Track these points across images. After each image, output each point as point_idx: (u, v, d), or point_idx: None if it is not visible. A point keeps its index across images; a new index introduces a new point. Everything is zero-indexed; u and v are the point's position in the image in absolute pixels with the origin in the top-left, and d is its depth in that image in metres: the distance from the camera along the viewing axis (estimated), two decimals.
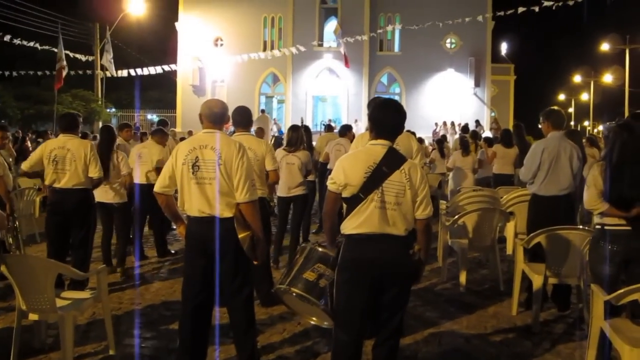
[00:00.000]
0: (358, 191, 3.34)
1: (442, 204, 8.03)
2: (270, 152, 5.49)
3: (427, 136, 22.24)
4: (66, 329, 4.08)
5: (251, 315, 4.09)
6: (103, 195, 6.65)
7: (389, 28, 29.70)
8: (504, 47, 40.65)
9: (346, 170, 3.40)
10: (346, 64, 29.66)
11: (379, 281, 3.39)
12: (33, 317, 4.24)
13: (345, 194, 3.42)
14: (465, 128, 18.56)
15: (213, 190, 3.82)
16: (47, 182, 5.77)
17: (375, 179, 3.33)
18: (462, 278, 6.41)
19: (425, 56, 30.57)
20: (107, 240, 6.83)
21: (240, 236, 3.83)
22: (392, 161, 3.38)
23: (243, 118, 5.49)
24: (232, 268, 3.92)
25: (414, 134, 9.09)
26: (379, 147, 3.41)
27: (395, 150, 3.45)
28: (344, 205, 3.50)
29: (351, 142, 8.97)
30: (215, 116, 3.98)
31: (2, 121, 7.78)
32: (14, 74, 30.69)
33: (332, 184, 3.47)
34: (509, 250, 7.70)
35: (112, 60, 28.14)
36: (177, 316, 4.35)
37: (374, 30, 30.19)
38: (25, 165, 5.84)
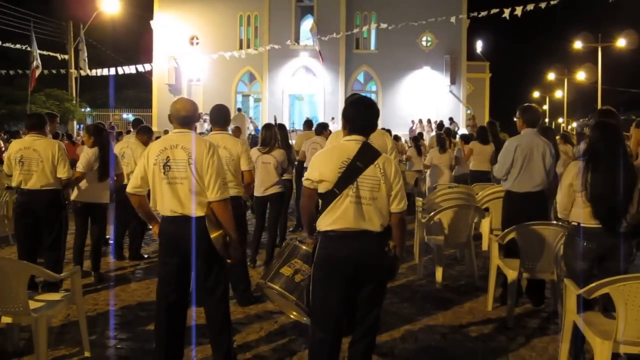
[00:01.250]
0: (333, 187, 3.36)
1: (419, 201, 8.09)
2: (246, 152, 5.47)
3: (403, 134, 22.38)
4: (39, 331, 4.01)
5: (226, 314, 4.07)
6: (91, 195, 6.53)
7: (365, 28, 29.74)
8: (479, 45, 40.99)
9: (320, 166, 3.42)
10: (321, 60, 29.71)
11: (355, 278, 3.40)
12: (6, 319, 4.15)
13: (320, 190, 3.43)
14: (440, 125, 18.72)
15: (184, 189, 3.82)
16: (14, 184, 5.68)
17: (349, 174, 3.35)
18: (438, 274, 6.46)
19: (401, 54, 30.72)
20: (81, 242, 6.71)
21: (212, 235, 3.82)
22: (366, 156, 3.40)
23: (220, 117, 5.48)
24: (206, 267, 3.92)
25: (389, 131, 9.15)
26: (353, 143, 3.44)
27: (369, 145, 3.48)
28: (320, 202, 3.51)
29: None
30: (183, 119, 3.97)
31: None
32: None
33: (306, 180, 3.50)
34: (485, 247, 7.79)
35: (86, 59, 27.79)
36: (152, 317, 4.32)
37: (350, 29, 30.26)
38: (7, 169, 5.75)
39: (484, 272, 6.40)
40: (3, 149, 14.86)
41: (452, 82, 31.42)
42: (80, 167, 6.27)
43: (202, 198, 3.84)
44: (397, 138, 15.58)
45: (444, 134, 11.67)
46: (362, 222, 3.36)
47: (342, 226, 3.36)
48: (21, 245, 5.75)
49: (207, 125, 25.43)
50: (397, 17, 28.13)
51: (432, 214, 6.64)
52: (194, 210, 3.82)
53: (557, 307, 5.42)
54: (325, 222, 3.41)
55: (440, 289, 6.34)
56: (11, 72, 29.25)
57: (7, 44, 24.97)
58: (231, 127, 9.01)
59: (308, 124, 12.04)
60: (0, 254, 7.35)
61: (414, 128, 27.38)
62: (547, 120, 55.87)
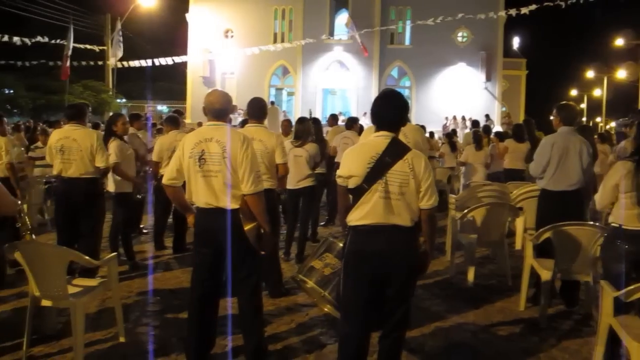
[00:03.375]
0: (362, 181, 3.38)
1: (451, 198, 8.03)
2: (281, 145, 5.50)
3: (437, 130, 22.16)
4: (77, 316, 4.12)
5: (258, 305, 4.12)
6: (115, 185, 6.68)
7: (401, 25, 29.52)
8: (515, 42, 40.40)
9: (350, 162, 3.46)
10: (365, 52, 29.62)
11: (384, 273, 3.41)
12: (45, 303, 4.29)
13: (350, 185, 3.45)
14: (475, 123, 18.51)
15: (219, 182, 3.86)
16: (54, 172, 5.81)
17: (378, 169, 3.36)
18: (470, 273, 6.41)
19: (436, 50, 30.41)
20: (115, 230, 6.85)
21: (246, 227, 3.87)
22: (395, 151, 3.40)
23: (256, 110, 5.52)
24: (239, 259, 3.95)
25: (423, 127, 9.10)
26: (382, 139, 3.45)
27: (398, 141, 3.48)
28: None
29: (358, 134, 9.00)
30: (217, 111, 4.00)
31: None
32: (26, 64, 30.86)
33: (338, 178, 3.53)
34: (518, 246, 7.70)
35: (121, 52, 28.03)
36: (186, 305, 4.39)
37: (384, 23, 30.09)
38: (48, 159, 5.89)
39: (516, 272, 6.33)
40: (42, 138, 15.19)
41: (488, 78, 31.01)
42: (113, 157, 6.37)
43: (236, 191, 3.88)
44: (430, 135, 15.48)
45: (481, 131, 11.54)
46: (392, 217, 3.36)
47: (372, 221, 3.38)
48: (60, 232, 5.89)
49: (240, 118, 25.64)
50: (432, 12, 27.81)
51: (465, 211, 6.58)
52: (229, 203, 3.87)
53: (591, 309, 5.34)
54: (355, 217, 3.43)
55: (471, 287, 6.29)
56: (50, 64, 29.87)
57: (45, 38, 25.39)
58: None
59: (334, 118, 12.04)
60: (39, 240, 7.53)
61: (447, 125, 27.13)
62: (584, 119, 54.75)
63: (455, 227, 6.83)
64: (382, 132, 3.48)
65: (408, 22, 31.02)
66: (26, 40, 23.46)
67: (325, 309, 4.92)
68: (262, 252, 4.05)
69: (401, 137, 4.08)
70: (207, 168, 3.87)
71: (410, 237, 3.43)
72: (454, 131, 16.75)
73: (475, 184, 8.78)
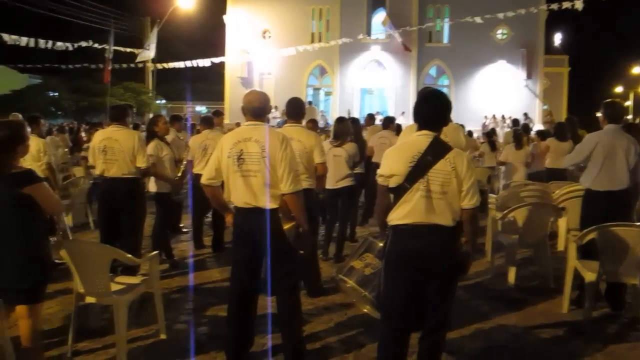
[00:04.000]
0: (403, 180, 3.36)
1: (492, 198, 7.91)
2: (319, 145, 5.49)
3: (476, 129, 21.87)
4: (120, 312, 4.21)
5: (297, 304, 4.13)
6: (156, 185, 6.79)
7: (439, 23, 29.19)
8: (557, 38, 39.54)
9: (391, 161, 3.44)
10: (406, 49, 29.46)
11: (424, 273, 3.38)
12: (89, 299, 4.39)
13: (391, 184, 3.44)
14: (515, 121, 18.19)
15: (258, 182, 3.88)
16: (97, 172, 5.93)
17: (419, 168, 3.34)
18: (511, 274, 6.30)
19: (475, 48, 29.99)
20: (157, 229, 6.95)
21: (285, 227, 3.88)
22: (437, 150, 3.37)
23: (295, 110, 5.54)
24: (277, 258, 3.96)
25: (462, 127, 8.98)
26: (424, 137, 3.43)
27: (440, 140, 3.45)
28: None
29: (396, 133, 8.95)
30: (255, 111, 4.02)
31: (36, 114, 8.19)
32: (70, 67, 31.67)
33: (379, 177, 3.51)
34: (560, 247, 7.54)
35: (150, 53, 28.24)
36: (225, 303, 4.42)
37: (422, 22, 29.84)
38: (91, 161, 6.02)
39: (558, 274, 6.19)
40: (84, 139, 15.57)
41: (528, 76, 30.41)
42: (151, 158, 6.47)
43: (275, 190, 3.89)
44: (470, 134, 15.28)
45: (521, 130, 11.33)
46: (433, 216, 3.34)
47: (413, 220, 3.35)
48: (102, 230, 6.01)
49: (278, 115, 25.76)
50: (471, 9, 27.38)
51: (506, 211, 6.47)
52: (267, 203, 3.88)
53: (638, 312, 5.19)
54: (396, 216, 3.41)
55: (512, 288, 6.18)
56: (92, 66, 30.56)
57: (90, 42, 26.00)
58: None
59: (371, 117, 11.98)
60: (81, 238, 7.71)
61: (487, 123, 26.75)
62: (630, 117, 53.27)
63: (495, 227, 6.72)
64: (424, 131, 3.45)
65: (446, 20, 30.68)
66: (69, 45, 24.03)
67: (365, 310, 4.89)
68: (301, 252, 4.05)
69: (441, 136, 4.04)
70: (246, 168, 3.89)
71: (451, 236, 3.40)
72: (494, 130, 16.48)
73: (516, 184, 8.62)
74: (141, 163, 5.86)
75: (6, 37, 21.15)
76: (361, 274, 4.50)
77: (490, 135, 13.00)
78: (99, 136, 5.96)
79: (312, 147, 5.40)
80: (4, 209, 3.50)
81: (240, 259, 4.06)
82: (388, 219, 3.49)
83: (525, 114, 26.37)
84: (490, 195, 8.56)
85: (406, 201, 3.37)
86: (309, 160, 5.40)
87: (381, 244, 3.92)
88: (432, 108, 3.51)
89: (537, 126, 23.66)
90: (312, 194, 5.50)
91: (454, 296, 3.61)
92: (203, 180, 4.09)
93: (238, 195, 3.94)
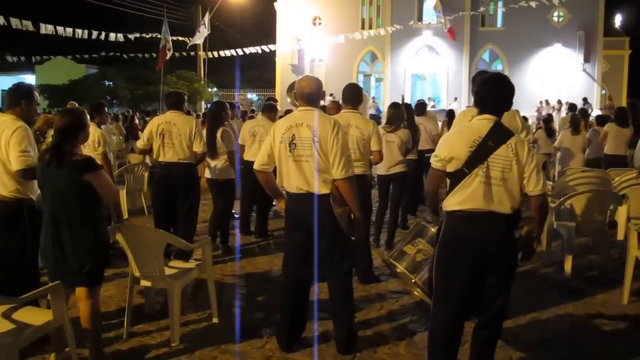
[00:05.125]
0: (462, 165, 3.28)
1: (548, 185, 7.68)
2: (377, 132, 5.47)
3: (530, 115, 21.30)
4: (174, 296, 4.29)
5: (349, 290, 4.12)
6: (211, 171, 6.87)
7: (492, 7, 28.40)
8: (617, 19, 37.98)
9: (451, 145, 3.36)
10: (452, 36, 28.88)
11: (481, 261, 3.29)
12: (144, 283, 4.50)
13: (449, 169, 3.36)
14: (572, 106, 17.62)
15: (310, 167, 3.87)
16: (154, 156, 6.03)
17: (480, 153, 3.25)
18: (568, 263, 6.11)
19: (530, 31, 29.14)
20: (215, 215, 7.04)
21: (336, 212, 3.86)
22: (498, 135, 3.27)
23: (352, 96, 5.52)
24: (330, 244, 3.96)
25: (517, 112, 8.71)
26: (485, 122, 3.33)
27: (501, 125, 3.35)
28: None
29: (448, 119, 8.74)
30: (307, 96, 4.01)
31: (100, 101, 8.47)
32: (125, 56, 32.46)
33: (435, 160, 3.42)
34: (620, 236, 7.25)
35: (198, 39, 28.47)
36: (277, 289, 4.46)
37: (475, 6, 29.16)
38: (140, 144, 6.14)
39: (618, 263, 5.98)
40: (139, 127, 15.92)
41: (586, 59, 29.36)
42: (227, 144, 6.57)
43: (326, 175, 3.87)
44: (524, 119, 14.87)
45: (579, 115, 10.95)
46: (492, 203, 3.25)
47: (470, 206, 3.27)
48: (157, 215, 6.12)
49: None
50: None
51: (562, 198, 6.27)
52: (319, 188, 3.87)
53: None
54: (453, 202, 3.34)
55: (569, 278, 6.00)
56: (146, 56, 31.21)
57: (145, 34, 26.57)
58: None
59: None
60: (135, 223, 7.88)
61: (540, 109, 26.00)
62: None
63: (551, 215, 6.53)
64: (485, 115, 3.35)
65: (500, 4, 29.89)
66: (122, 35, 24.62)
67: (416, 292, 4.84)
68: (353, 238, 4.03)
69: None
70: (298, 153, 3.89)
71: (509, 224, 3.31)
72: (551, 116, 15.98)
73: (573, 170, 8.35)
74: (198, 148, 5.94)
75: (62, 30, 21.82)
76: (412, 260, 4.46)
77: (547, 121, 12.62)
78: (157, 121, 6.05)
79: (370, 134, 5.37)
80: (65, 195, 3.62)
81: (293, 245, 4.08)
82: (443, 204, 3.42)
83: (585, 99, 25.48)
84: (547, 182, 8.32)
85: (464, 187, 3.28)
86: (366, 147, 5.37)
87: (434, 230, 3.86)
88: (495, 92, 3.40)
89: (596, 111, 22.84)
90: (366, 180, 5.48)
91: (512, 285, 3.52)
92: (256, 166, 4.11)
93: (290, 181, 3.95)
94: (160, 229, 5.41)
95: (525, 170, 3.25)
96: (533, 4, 24.53)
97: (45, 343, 3.90)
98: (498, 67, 30.92)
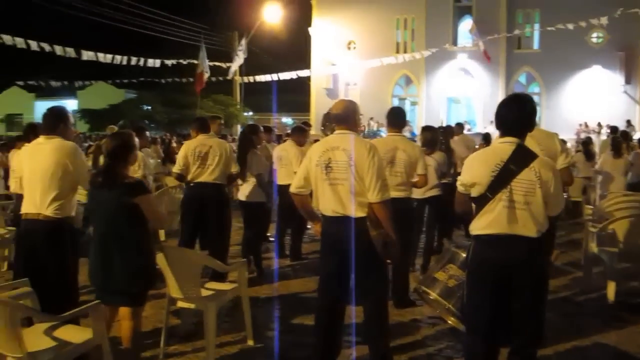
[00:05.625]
0: (485, 190, 3.26)
1: (587, 210, 7.53)
2: (422, 156, 5.53)
3: (569, 138, 20.94)
4: (209, 317, 4.31)
5: (384, 315, 4.07)
6: (242, 193, 6.93)
7: (528, 30, 28.15)
8: None
9: (472, 170, 3.36)
10: (487, 59, 28.72)
11: (508, 284, 3.26)
12: (181, 304, 4.54)
13: (473, 194, 3.35)
14: (614, 129, 17.28)
15: (345, 190, 3.86)
16: (190, 178, 6.15)
17: (502, 177, 3.23)
18: (610, 290, 5.93)
19: (568, 53, 28.70)
20: (246, 238, 7.08)
21: (372, 235, 3.84)
22: (521, 159, 3.25)
23: (396, 119, 5.56)
24: (365, 267, 3.93)
25: (556, 135, 8.59)
26: (507, 145, 3.31)
27: (524, 148, 3.32)
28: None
29: (484, 143, 8.66)
30: (339, 118, 4.03)
31: (141, 125, 8.78)
32: (162, 81, 33.21)
33: (460, 185, 3.44)
34: None
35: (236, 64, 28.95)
36: (312, 312, 4.43)
37: (511, 28, 28.99)
38: (177, 169, 6.24)
39: None
40: (176, 150, 16.19)
41: (627, 81, 28.77)
42: (256, 167, 6.64)
43: (362, 199, 3.87)
44: (563, 142, 14.63)
45: (620, 137, 10.72)
46: (516, 227, 3.22)
47: (495, 230, 3.25)
48: (187, 233, 6.18)
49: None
50: (563, 13, 26.30)
51: (605, 223, 6.13)
52: (355, 211, 3.86)
53: None
54: (478, 226, 3.32)
55: (611, 305, 5.82)
56: (183, 80, 31.85)
57: (179, 58, 27.18)
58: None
59: (460, 126, 11.76)
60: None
61: (579, 131, 25.55)
62: None
63: (592, 240, 6.37)
64: (507, 138, 3.33)
65: (537, 26, 29.67)
66: (160, 61, 25.23)
67: (450, 321, 4.78)
68: (389, 261, 4.01)
69: (534, 144, 3.91)
70: (334, 176, 3.90)
71: (534, 247, 3.26)
72: (590, 139, 15.69)
73: (614, 194, 8.15)
74: (234, 169, 6.15)
75: (102, 56, 22.51)
76: (444, 286, 4.41)
77: (586, 143, 12.40)
78: (193, 144, 6.17)
79: (417, 158, 5.41)
80: (116, 217, 3.71)
81: (328, 268, 4.06)
82: (470, 228, 3.40)
83: (628, 121, 24.92)
84: (586, 206, 8.16)
85: (488, 211, 3.27)
86: (412, 171, 5.40)
87: (464, 255, 3.82)
88: (515, 113, 3.38)
89: (639, 134, 22.32)
90: (411, 204, 5.48)
91: (543, 311, 3.44)
92: (292, 189, 4.14)
93: (326, 204, 3.95)
94: (186, 247, 5.47)
95: (550, 194, 3.23)
96: (570, 26, 24.21)
97: None
98: (535, 89, 30.58)
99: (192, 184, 6.13)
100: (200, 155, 6.02)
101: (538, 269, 3.29)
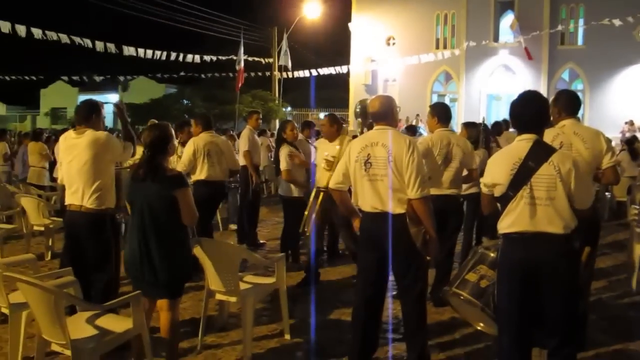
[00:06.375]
0: (506, 189, 3.24)
1: (633, 210, 7.32)
2: (472, 151, 5.61)
3: (613, 136, 20.37)
4: (247, 310, 4.35)
5: (422, 312, 4.04)
6: (280, 188, 6.97)
7: (572, 26, 27.44)
8: None
9: (492, 171, 3.37)
10: (528, 57, 28.15)
11: (537, 283, 3.20)
12: (219, 297, 4.58)
13: (496, 194, 3.34)
14: None
15: (385, 186, 3.84)
16: (200, 175, 6.45)
17: (521, 175, 3.21)
18: None
19: (614, 49, 27.83)
20: (287, 232, 7.09)
21: (412, 232, 3.80)
22: (538, 154, 3.21)
23: (446, 114, 5.60)
24: (404, 264, 3.91)
25: (602, 133, 8.38)
26: (524, 142, 3.28)
27: (542, 143, 3.29)
28: None
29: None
30: (376, 114, 4.03)
31: (186, 119, 9.20)
32: (202, 76, 33.61)
33: (483, 186, 3.45)
34: None
35: (289, 63, 29.31)
36: (349, 308, 4.42)
37: (554, 24, 28.35)
38: (182, 167, 6.37)
39: None
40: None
41: None
42: (283, 164, 6.71)
43: (401, 195, 3.83)
44: (608, 141, 14.24)
45: None
46: (540, 224, 3.18)
47: (519, 228, 3.22)
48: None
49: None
50: (609, 7, 25.61)
51: None
52: (394, 207, 3.84)
53: None
54: (504, 225, 3.30)
55: None
56: (223, 75, 32.19)
57: (219, 54, 27.49)
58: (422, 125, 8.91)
59: (505, 123, 11.56)
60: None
61: (624, 130, 24.84)
62: None
63: (637, 241, 6.19)
64: (524, 136, 3.31)
65: (581, 21, 28.93)
66: (199, 56, 25.55)
67: (478, 327, 4.70)
68: (428, 258, 3.96)
69: (579, 142, 3.87)
70: (373, 172, 3.88)
71: (562, 244, 3.19)
72: (635, 137, 15.26)
73: None
74: (236, 166, 6.64)
75: (142, 51, 22.94)
76: (476, 287, 4.32)
77: (631, 142, 12.06)
78: (200, 142, 6.46)
79: (470, 153, 5.51)
80: (155, 210, 3.76)
81: (367, 264, 4.04)
82: (498, 227, 3.37)
83: None
84: (632, 206, 7.93)
85: (511, 210, 3.24)
86: (465, 166, 5.51)
87: (493, 254, 3.74)
88: (529, 109, 3.36)
89: None
90: (459, 200, 5.57)
91: (577, 310, 3.37)
92: (331, 185, 4.14)
93: (365, 200, 3.93)
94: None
95: (572, 187, 3.16)
96: (617, 22, 23.54)
97: (124, 350, 4.04)
98: (578, 86, 29.82)
99: (203, 182, 6.45)
100: (208, 154, 6.37)
101: (568, 267, 3.22)
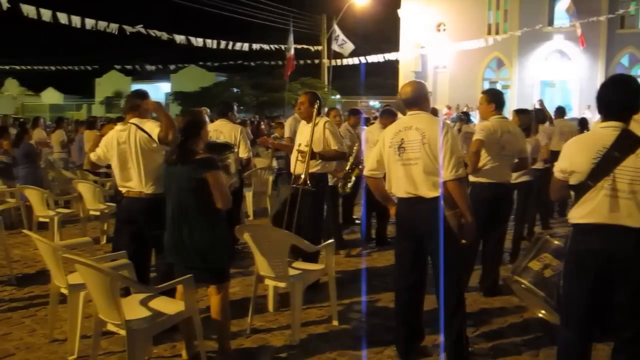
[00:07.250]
0: (585, 178, 3.08)
1: None
2: (524, 138, 5.55)
3: None
4: (296, 296, 4.40)
5: (459, 297, 3.95)
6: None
7: (633, 9, 26.33)
8: None
9: (572, 157, 3.17)
10: (582, 43, 27.22)
11: (609, 277, 3.08)
12: (268, 282, 4.66)
13: (572, 181, 3.19)
14: None
15: (418, 170, 3.80)
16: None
17: (604, 164, 3.04)
18: None
19: None
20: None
21: (447, 215, 3.75)
22: (625, 145, 3.03)
23: (503, 101, 5.50)
24: (440, 248, 3.80)
25: None
26: (610, 130, 3.10)
27: (629, 133, 3.08)
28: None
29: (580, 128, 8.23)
30: (407, 100, 3.99)
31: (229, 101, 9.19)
32: (251, 64, 33.89)
33: (557, 171, 3.27)
34: None
35: (343, 44, 29.05)
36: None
37: (612, 6, 27.27)
38: None
39: None
40: (265, 132, 16.50)
41: None
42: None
43: (435, 178, 3.77)
44: None
45: None
46: (619, 217, 3.03)
47: (595, 220, 3.08)
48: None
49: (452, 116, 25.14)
50: None
51: None
52: (427, 191, 3.79)
53: None
54: (577, 215, 3.16)
55: None
56: (272, 63, 32.35)
57: (267, 42, 27.61)
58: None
59: (560, 111, 11.25)
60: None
61: None
62: None
63: None
64: (610, 123, 3.12)
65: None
66: (248, 44, 25.79)
67: (540, 314, 4.62)
68: (463, 241, 3.89)
69: (639, 130, 3.70)
70: (407, 156, 3.84)
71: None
72: None
73: None
74: (243, 154, 6.34)
75: (193, 40, 23.29)
76: (540, 276, 4.24)
77: None
78: (211, 129, 6.45)
79: (522, 140, 5.46)
80: (187, 192, 3.81)
81: (404, 250, 4.02)
82: (569, 216, 3.25)
83: None
84: None
85: (588, 199, 3.10)
86: (518, 153, 5.41)
87: (557, 242, 3.65)
88: (619, 94, 3.15)
89: None
90: (507, 187, 5.48)
91: None
92: (365, 172, 4.16)
93: (399, 185, 3.90)
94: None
95: None
96: None
97: (175, 331, 4.15)
98: (638, 72, 28.71)
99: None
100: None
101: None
